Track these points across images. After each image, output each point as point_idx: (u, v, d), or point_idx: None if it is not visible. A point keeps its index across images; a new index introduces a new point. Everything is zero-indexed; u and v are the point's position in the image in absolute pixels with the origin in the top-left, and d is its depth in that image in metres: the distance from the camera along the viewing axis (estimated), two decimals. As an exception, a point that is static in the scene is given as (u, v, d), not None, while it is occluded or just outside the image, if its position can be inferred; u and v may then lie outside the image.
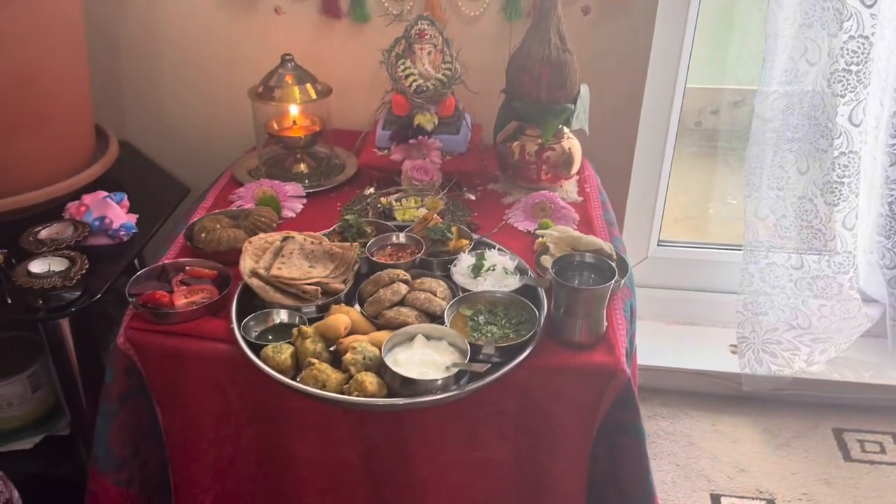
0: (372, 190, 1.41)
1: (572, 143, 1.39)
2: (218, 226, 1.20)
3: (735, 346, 1.80)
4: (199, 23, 1.60)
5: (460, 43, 1.42)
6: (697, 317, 1.94)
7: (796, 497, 1.57)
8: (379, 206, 1.28)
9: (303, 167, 1.46)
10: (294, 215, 1.33)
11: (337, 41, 1.59)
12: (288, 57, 1.39)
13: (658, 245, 1.96)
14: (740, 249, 1.73)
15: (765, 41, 1.54)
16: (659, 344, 1.87)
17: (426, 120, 1.36)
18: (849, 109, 1.55)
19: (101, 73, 1.64)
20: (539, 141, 1.35)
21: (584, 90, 1.37)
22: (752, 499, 1.57)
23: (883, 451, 1.68)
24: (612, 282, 1.00)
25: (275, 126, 1.45)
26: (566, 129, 1.38)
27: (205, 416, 1.07)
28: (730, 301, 1.80)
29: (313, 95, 1.38)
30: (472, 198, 1.40)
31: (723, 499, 1.57)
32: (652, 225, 1.92)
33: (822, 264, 1.72)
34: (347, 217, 1.19)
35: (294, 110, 1.43)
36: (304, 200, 1.37)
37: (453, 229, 1.18)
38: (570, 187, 1.42)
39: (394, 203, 1.27)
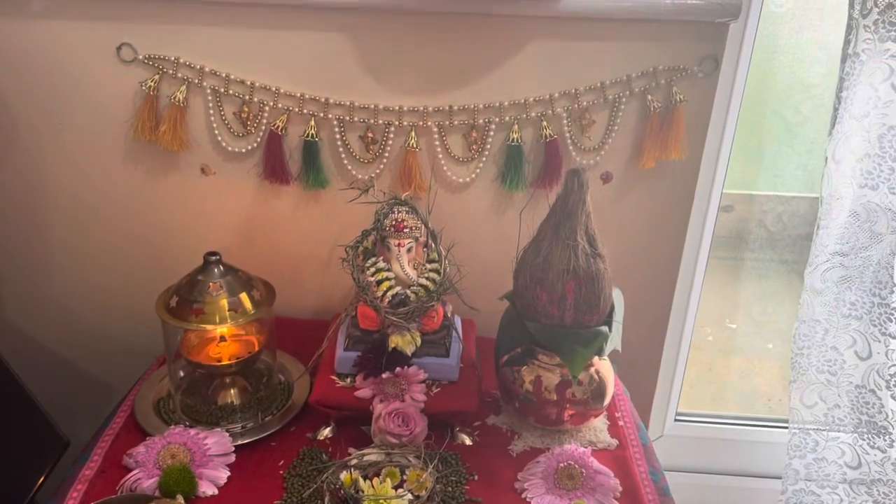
0: (327, 432, 1.02)
1: (602, 366, 1.03)
2: (95, 540, 0.80)
3: (774, 552, 1.50)
4: (95, 184, 1.19)
5: (445, 223, 1.06)
6: (726, 508, 1.63)
7: None
8: (338, 486, 0.89)
9: (232, 395, 1.06)
10: (216, 492, 0.92)
11: (284, 209, 1.20)
12: (213, 258, 0.99)
13: (675, 420, 1.64)
14: (775, 425, 1.50)
15: (819, 205, 1.26)
16: (683, 554, 1.52)
17: (405, 342, 0.99)
18: (927, 290, 1.25)
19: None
20: (559, 371, 0.99)
21: (618, 299, 1.02)
22: None
23: None
24: None
25: (193, 340, 1.05)
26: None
27: None
28: (765, 488, 1.56)
29: (249, 309, 0.99)
30: (468, 442, 1.02)
31: None
32: (670, 397, 1.60)
33: (885, 467, 1.41)
34: (293, 530, 0.79)
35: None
36: (233, 458, 0.97)
37: (452, 539, 0.80)
38: (599, 424, 1.05)
39: (361, 483, 0.88)
